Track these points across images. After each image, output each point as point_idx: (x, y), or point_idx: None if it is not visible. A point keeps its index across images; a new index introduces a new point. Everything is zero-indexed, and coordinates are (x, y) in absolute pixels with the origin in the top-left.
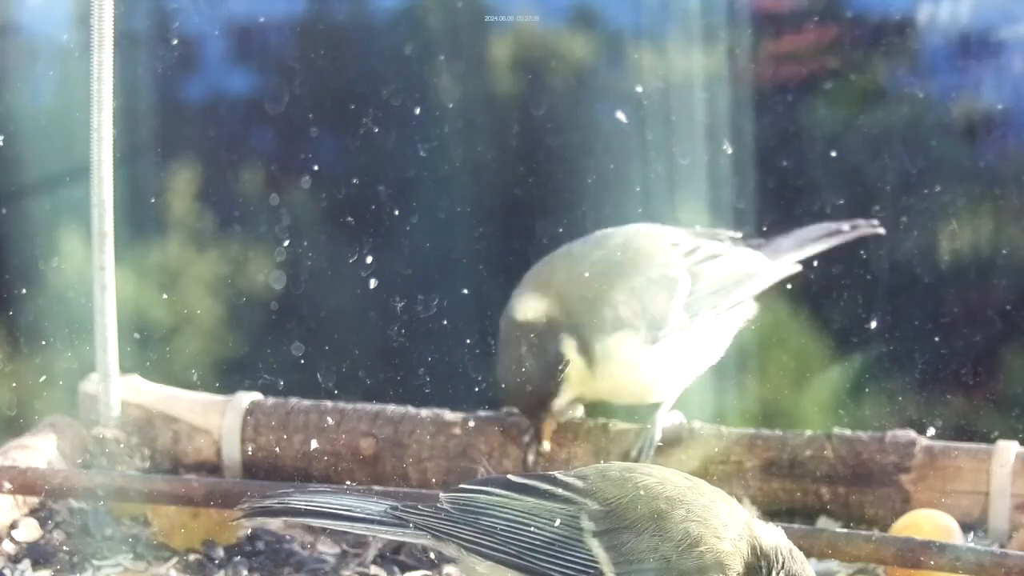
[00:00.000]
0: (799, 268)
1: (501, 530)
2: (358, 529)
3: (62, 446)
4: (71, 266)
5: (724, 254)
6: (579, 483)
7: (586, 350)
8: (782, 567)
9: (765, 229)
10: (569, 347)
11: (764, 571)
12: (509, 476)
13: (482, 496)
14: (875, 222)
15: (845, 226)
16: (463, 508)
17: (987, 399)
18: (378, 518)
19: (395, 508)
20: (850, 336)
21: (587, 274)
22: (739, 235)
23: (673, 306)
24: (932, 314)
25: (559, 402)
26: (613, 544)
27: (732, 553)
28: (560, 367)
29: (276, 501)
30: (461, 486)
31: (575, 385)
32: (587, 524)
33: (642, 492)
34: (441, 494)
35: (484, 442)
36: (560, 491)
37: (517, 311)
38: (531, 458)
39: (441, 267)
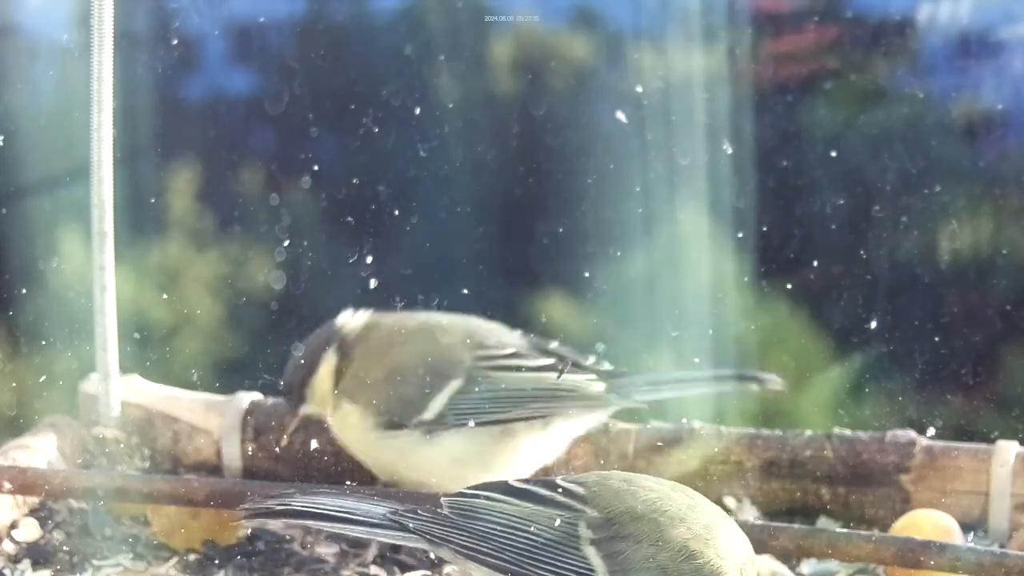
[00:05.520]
0: (634, 403)
1: (498, 535)
2: (358, 532)
3: (62, 446)
4: (71, 266)
5: (522, 368)
6: (579, 490)
7: (336, 385)
8: None
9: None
10: (329, 364)
11: None
12: (509, 480)
13: (481, 501)
14: (769, 377)
15: (703, 377)
16: (461, 513)
17: (987, 399)
18: (377, 521)
19: (395, 512)
20: (850, 336)
21: (386, 338)
22: (589, 359)
23: (433, 400)
24: (932, 314)
25: (304, 408)
26: (610, 552)
27: (732, 572)
28: (312, 371)
29: (277, 503)
30: (461, 490)
31: (318, 402)
32: (585, 532)
33: (643, 506)
34: (442, 498)
35: None
36: (560, 497)
37: (343, 317)
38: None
39: (441, 267)
